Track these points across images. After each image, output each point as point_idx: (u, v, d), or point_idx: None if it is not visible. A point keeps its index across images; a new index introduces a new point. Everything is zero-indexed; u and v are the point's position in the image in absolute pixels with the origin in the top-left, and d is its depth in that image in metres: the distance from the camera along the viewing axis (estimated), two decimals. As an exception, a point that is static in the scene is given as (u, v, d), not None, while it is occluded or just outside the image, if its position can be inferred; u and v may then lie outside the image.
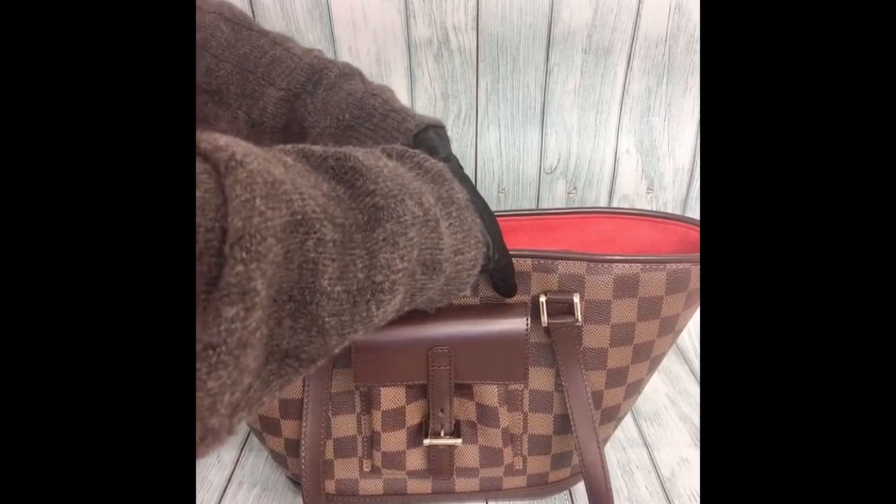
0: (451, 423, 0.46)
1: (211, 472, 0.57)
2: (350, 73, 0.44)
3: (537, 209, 0.58)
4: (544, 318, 0.44)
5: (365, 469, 0.49)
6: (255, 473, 0.57)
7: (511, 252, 0.42)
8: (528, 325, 0.44)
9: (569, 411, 0.45)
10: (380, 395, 0.46)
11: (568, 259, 0.43)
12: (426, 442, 0.46)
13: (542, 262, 0.43)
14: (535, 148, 0.71)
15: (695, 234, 0.51)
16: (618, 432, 0.62)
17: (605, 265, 0.43)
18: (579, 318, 0.44)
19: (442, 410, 0.46)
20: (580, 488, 0.54)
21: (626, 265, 0.43)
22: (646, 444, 0.60)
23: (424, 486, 0.50)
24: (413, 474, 0.49)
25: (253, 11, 0.63)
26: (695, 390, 0.68)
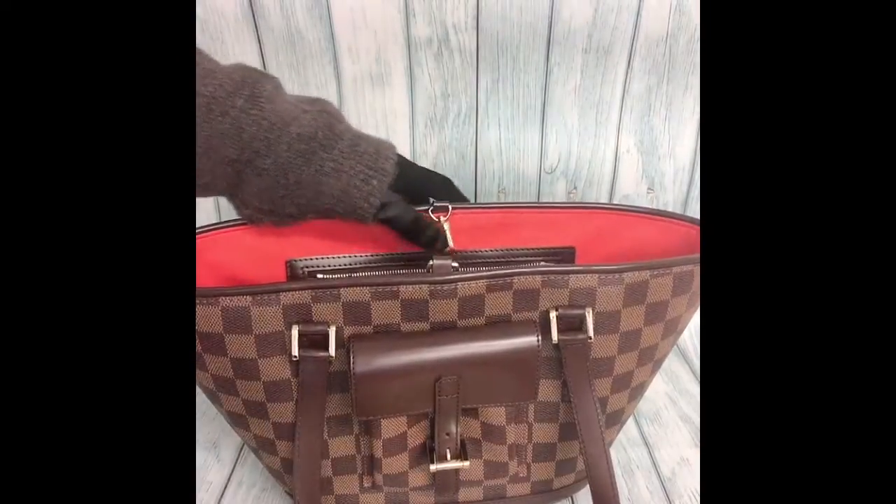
0: (457, 445, 0.45)
1: (211, 471, 0.57)
2: (279, 84, 0.44)
3: (539, 202, 0.57)
4: (555, 335, 0.43)
5: (365, 485, 0.48)
6: (254, 473, 0.57)
7: (521, 271, 0.41)
8: (539, 343, 0.42)
9: (577, 425, 0.44)
10: (380, 426, 0.44)
11: (580, 273, 0.42)
12: (433, 468, 0.45)
13: (552, 277, 0.42)
14: (535, 148, 0.71)
15: (696, 233, 0.50)
16: (618, 432, 0.62)
17: (617, 275, 0.42)
18: (591, 335, 0.43)
19: (448, 434, 0.45)
20: (582, 494, 0.54)
21: (636, 273, 0.42)
22: (646, 444, 0.60)
23: (427, 498, 0.49)
24: (416, 490, 0.48)
25: (253, 11, 0.63)
26: (695, 390, 0.68)
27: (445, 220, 0.52)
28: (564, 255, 0.56)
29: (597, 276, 0.42)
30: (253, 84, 0.41)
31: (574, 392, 0.44)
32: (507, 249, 0.55)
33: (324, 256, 0.51)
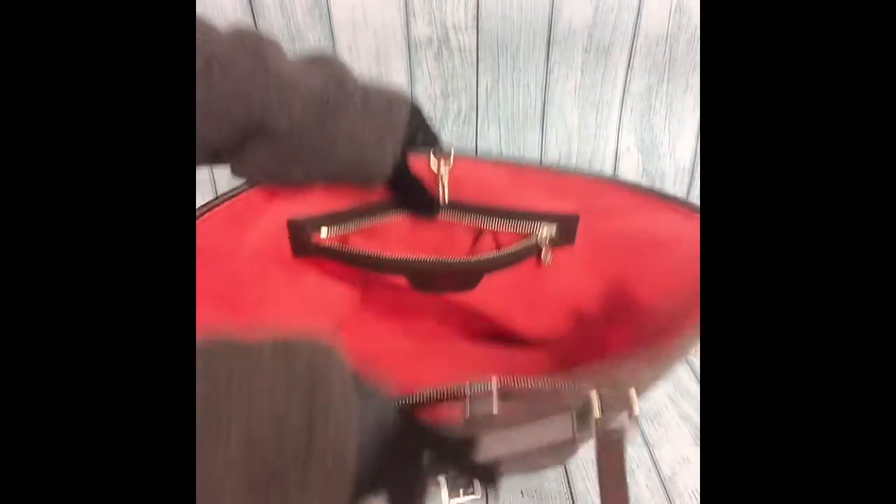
0: None
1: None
2: (279, 47, 0.40)
3: (550, 166, 0.51)
4: (597, 412, 0.35)
5: None
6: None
7: (569, 387, 0.35)
8: (574, 435, 0.36)
9: None
10: None
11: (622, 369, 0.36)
12: None
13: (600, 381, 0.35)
14: (535, 147, 0.71)
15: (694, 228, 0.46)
16: (618, 432, 0.62)
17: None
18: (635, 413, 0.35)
19: None
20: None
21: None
22: (646, 444, 0.60)
23: None
24: None
25: (252, 11, 0.63)
26: (695, 390, 0.68)
27: (446, 167, 0.47)
28: (569, 224, 0.51)
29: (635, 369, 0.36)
30: (255, 44, 0.38)
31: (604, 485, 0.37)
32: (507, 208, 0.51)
33: (328, 213, 0.48)
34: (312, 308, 0.53)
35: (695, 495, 0.54)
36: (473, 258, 0.51)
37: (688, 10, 0.65)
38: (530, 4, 0.64)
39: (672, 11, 0.65)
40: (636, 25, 0.66)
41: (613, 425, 0.36)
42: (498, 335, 0.58)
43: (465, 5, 0.63)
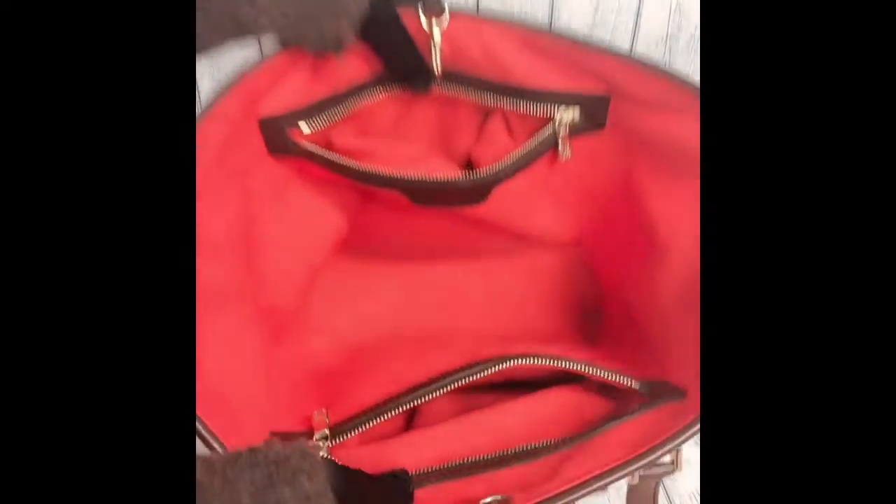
0: None
1: (210, 471, 0.57)
2: None
3: (564, 36, 0.38)
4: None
5: None
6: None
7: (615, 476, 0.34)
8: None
9: None
10: None
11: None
12: None
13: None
14: (535, 148, 0.71)
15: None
16: (618, 432, 0.62)
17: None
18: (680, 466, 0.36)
19: None
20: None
21: None
22: (646, 444, 0.60)
23: None
24: None
25: (253, 11, 0.63)
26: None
27: (438, 27, 0.37)
28: (596, 106, 0.41)
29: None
30: None
31: None
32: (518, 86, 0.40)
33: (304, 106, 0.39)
34: (304, 235, 0.47)
35: (695, 496, 0.54)
36: (479, 173, 0.42)
37: (688, 10, 0.65)
38: (530, 4, 0.63)
39: (672, 12, 0.65)
40: (636, 26, 0.65)
41: (650, 470, 0.35)
42: (517, 241, 0.54)
43: (465, 6, 0.63)
